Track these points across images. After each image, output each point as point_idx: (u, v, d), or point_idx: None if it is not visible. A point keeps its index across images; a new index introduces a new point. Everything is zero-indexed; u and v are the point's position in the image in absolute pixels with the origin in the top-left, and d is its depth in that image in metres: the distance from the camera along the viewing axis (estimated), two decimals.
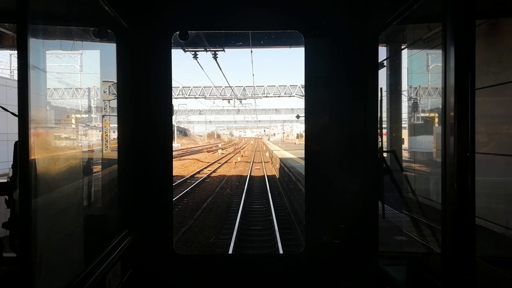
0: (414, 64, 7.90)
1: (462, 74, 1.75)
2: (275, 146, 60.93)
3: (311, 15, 3.24)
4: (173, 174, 3.53)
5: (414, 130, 9.29)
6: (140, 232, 3.24)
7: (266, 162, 39.61)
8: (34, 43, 1.74)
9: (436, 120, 8.55)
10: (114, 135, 3.39)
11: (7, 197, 2.10)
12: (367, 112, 3.16)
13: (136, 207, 3.26)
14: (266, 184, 22.50)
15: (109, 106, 4.38)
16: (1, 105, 2.62)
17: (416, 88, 8.85)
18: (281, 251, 9.72)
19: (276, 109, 67.83)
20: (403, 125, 8.90)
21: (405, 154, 9.39)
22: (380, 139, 3.20)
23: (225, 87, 38.51)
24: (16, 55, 1.69)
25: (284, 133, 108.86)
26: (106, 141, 4.75)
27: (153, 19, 3.27)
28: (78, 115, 5.42)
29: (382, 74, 3.62)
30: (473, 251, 1.78)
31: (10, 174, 2.07)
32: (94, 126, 5.17)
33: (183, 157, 41.61)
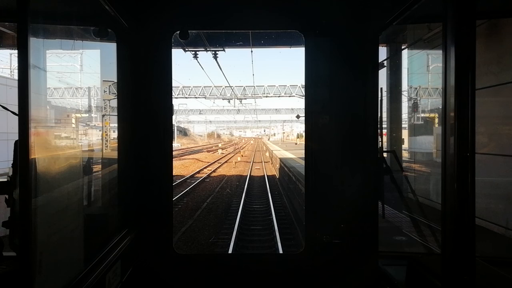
0: (414, 64, 7.90)
1: (462, 74, 1.75)
2: (275, 146, 60.94)
3: (312, 15, 3.24)
4: (173, 174, 3.53)
5: (414, 130, 9.29)
6: (140, 231, 3.25)
7: (266, 162, 39.61)
8: (34, 43, 1.74)
9: (436, 120, 8.55)
10: (114, 134, 3.40)
11: (7, 196, 2.10)
12: (367, 112, 3.16)
13: (136, 206, 3.26)
14: (266, 184, 22.50)
15: (109, 106, 4.39)
16: (2, 104, 2.62)
17: (416, 88, 8.85)
18: (281, 251, 9.72)
19: (276, 109, 67.85)
20: (403, 125, 8.91)
21: (405, 154, 9.39)
22: (380, 139, 3.20)
23: (225, 87, 38.51)
24: (16, 55, 1.69)
25: (284, 133, 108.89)
26: (106, 140, 4.75)
27: (153, 19, 3.27)
28: (78, 115, 5.42)
29: (382, 74, 3.62)
30: (473, 251, 1.78)
31: (10, 173, 2.07)
32: (94, 125, 5.18)
33: (183, 157, 41.61)
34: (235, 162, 38.01)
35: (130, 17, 3.10)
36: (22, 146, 1.66)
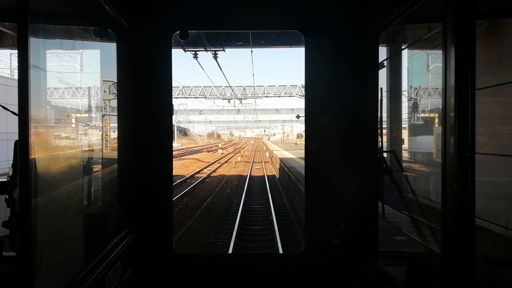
0: (414, 64, 7.90)
1: (462, 74, 1.75)
2: (275, 146, 60.93)
3: (312, 15, 3.24)
4: (173, 174, 3.53)
5: (414, 130, 9.29)
6: (140, 231, 3.25)
7: (266, 162, 39.60)
8: (34, 43, 1.74)
9: (436, 120, 8.55)
10: (114, 134, 3.40)
11: (7, 196, 2.10)
12: (367, 112, 3.16)
13: (136, 206, 3.26)
14: (266, 184, 22.50)
15: (109, 106, 4.39)
16: (2, 104, 2.62)
17: (416, 88, 8.85)
18: (281, 251, 9.73)
19: (276, 109, 67.85)
20: (403, 125, 8.90)
21: (405, 154, 9.39)
22: (380, 139, 3.20)
23: (225, 87, 38.51)
24: (16, 55, 1.69)
25: (284, 133, 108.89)
26: (106, 140, 4.75)
27: (153, 19, 3.27)
28: (78, 115, 5.43)
29: (382, 74, 3.62)
30: (473, 251, 1.78)
31: (10, 173, 2.07)
32: (94, 125, 5.18)
33: (183, 157, 41.60)
34: (235, 162, 38.01)
35: (130, 17, 3.10)
36: (22, 146, 1.66)
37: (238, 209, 14.98)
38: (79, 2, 2.79)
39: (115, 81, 3.21)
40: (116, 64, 3.15)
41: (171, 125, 3.39)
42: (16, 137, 1.67)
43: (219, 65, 18.75)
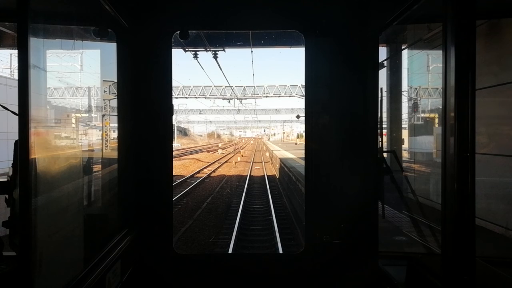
0: (415, 65, 7.89)
1: (462, 74, 1.76)
2: (275, 146, 60.92)
3: (312, 15, 3.24)
4: (173, 174, 3.53)
5: (414, 130, 9.29)
6: (140, 231, 3.25)
7: (266, 162, 39.60)
8: (34, 42, 1.75)
9: (436, 120, 8.54)
10: (114, 134, 3.40)
11: (7, 196, 2.10)
12: (367, 112, 3.16)
13: (136, 206, 3.26)
14: (266, 184, 22.49)
15: (109, 106, 4.39)
16: (2, 104, 2.62)
17: (416, 88, 8.84)
18: (281, 251, 9.72)
19: (276, 109, 67.86)
20: (403, 126, 8.89)
21: (405, 155, 9.38)
22: (380, 139, 3.21)
23: (225, 87, 38.53)
24: (16, 54, 1.69)
25: (284, 133, 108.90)
26: (106, 140, 4.75)
27: (153, 19, 3.27)
28: (78, 115, 5.42)
29: (382, 74, 3.63)
30: (473, 252, 1.78)
31: (10, 173, 2.07)
32: (94, 125, 5.18)
33: (183, 157, 41.60)
34: (235, 162, 38.00)
35: (130, 17, 3.10)
36: (22, 146, 1.66)
37: (238, 209, 14.98)
38: (79, 2, 2.79)
39: (115, 81, 3.21)
40: (116, 64, 3.15)
41: (171, 125, 3.39)
42: (16, 137, 1.67)
43: (219, 65, 18.77)
